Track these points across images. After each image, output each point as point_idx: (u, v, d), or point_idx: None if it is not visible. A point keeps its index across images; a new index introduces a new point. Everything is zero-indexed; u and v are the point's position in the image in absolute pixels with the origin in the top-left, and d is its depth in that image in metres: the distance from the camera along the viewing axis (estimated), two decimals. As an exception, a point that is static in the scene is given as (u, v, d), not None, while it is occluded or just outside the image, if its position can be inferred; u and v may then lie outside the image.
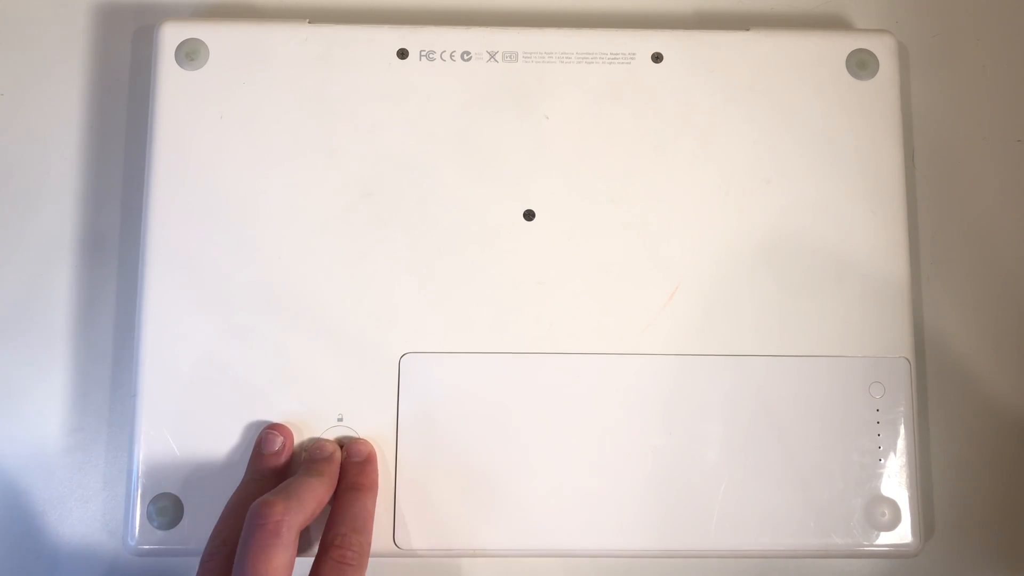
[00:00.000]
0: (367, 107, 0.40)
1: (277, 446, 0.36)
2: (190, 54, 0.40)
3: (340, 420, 0.37)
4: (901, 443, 0.38)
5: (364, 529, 0.34)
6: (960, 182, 0.43)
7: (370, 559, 0.39)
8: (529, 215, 0.39)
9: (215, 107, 0.39)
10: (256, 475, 0.36)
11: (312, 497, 0.34)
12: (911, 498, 0.38)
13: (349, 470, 0.36)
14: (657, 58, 0.40)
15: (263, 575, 0.30)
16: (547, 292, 0.39)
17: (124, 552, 0.38)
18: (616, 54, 0.40)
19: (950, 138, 0.44)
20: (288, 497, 0.32)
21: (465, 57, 0.40)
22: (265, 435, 0.37)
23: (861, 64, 0.40)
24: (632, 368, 0.38)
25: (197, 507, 0.37)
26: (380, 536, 0.37)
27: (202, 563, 0.33)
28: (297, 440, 0.37)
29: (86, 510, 0.40)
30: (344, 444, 0.37)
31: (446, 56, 0.40)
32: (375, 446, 0.37)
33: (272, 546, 0.31)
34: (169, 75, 0.40)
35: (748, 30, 0.41)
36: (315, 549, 0.34)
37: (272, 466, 0.36)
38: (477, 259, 0.39)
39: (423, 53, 0.40)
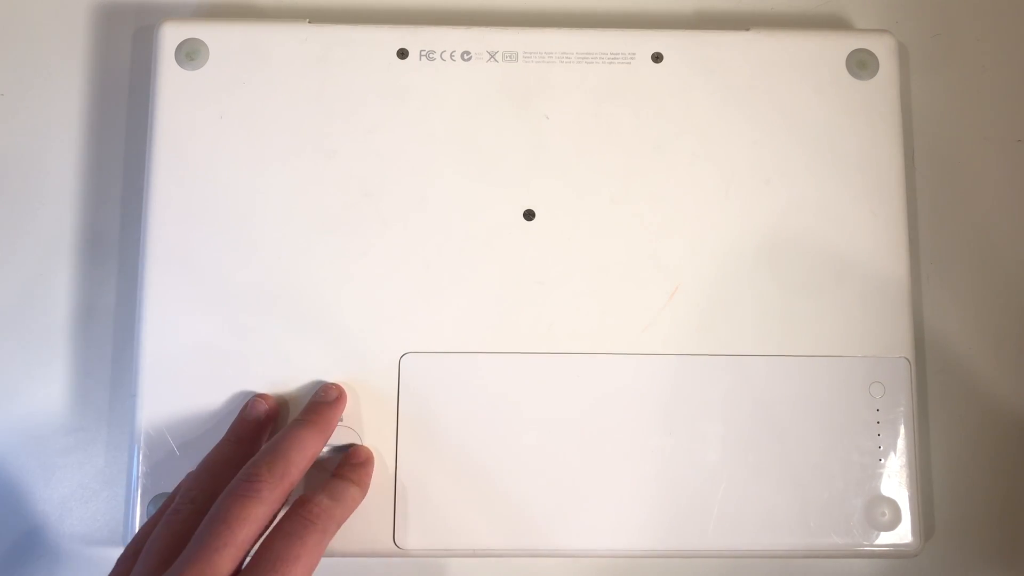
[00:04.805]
0: (367, 107, 0.40)
1: (259, 412, 0.37)
2: (190, 54, 0.40)
3: (340, 420, 0.37)
4: (901, 443, 0.38)
5: (342, 502, 0.34)
6: (960, 182, 0.43)
7: (370, 559, 0.39)
8: (529, 215, 0.39)
9: (215, 107, 0.39)
10: (234, 436, 0.36)
11: (301, 455, 0.34)
12: (911, 498, 0.38)
13: (344, 466, 0.36)
14: (657, 58, 0.40)
15: (235, 518, 0.30)
16: (547, 292, 0.39)
17: (124, 552, 0.38)
18: (616, 54, 0.40)
19: (950, 138, 0.44)
20: (274, 461, 0.33)
21: (465, 57, 0.40)
22: (251, 401, 0.37)
23: (861, 64, 0.40)
24: (632, 368, 0.38)
25: (197, 507, 0.37)
26: (380, 536, 0.37)
27: (166, 516, 0.32)
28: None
29: (86, 510, 0.40)
30: (347, 446, 0.37)
31: (446, 56, 0.40)
32: (375, 446, 0.37)
33: (251, 499, 0.31)
34: (169, 75, 0.40)
35: (748, 30, 0.41)
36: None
37: (253, 431, 0.36)
38: (477, 259, 0.39)
39: (423, 53, 0.40)
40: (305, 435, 0.34)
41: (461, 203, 0.39)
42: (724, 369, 0.38)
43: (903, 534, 0.38)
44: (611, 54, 0.40)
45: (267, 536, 0.31)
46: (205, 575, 0.29)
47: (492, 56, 0.40)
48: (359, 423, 0.38)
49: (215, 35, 0.40)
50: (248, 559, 0.31)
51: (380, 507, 0.37)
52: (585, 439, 0.38)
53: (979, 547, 0.41)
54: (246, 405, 0.37)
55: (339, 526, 0.34)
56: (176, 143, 0.39)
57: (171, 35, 0.40)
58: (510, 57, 0.40)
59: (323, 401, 0.37)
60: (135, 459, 0.37)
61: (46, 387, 0.41)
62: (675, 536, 0.37)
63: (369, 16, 0.44)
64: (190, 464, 0.35)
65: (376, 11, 0.44)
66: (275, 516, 0.32)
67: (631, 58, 0.40)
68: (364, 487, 0.36)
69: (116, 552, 0.33)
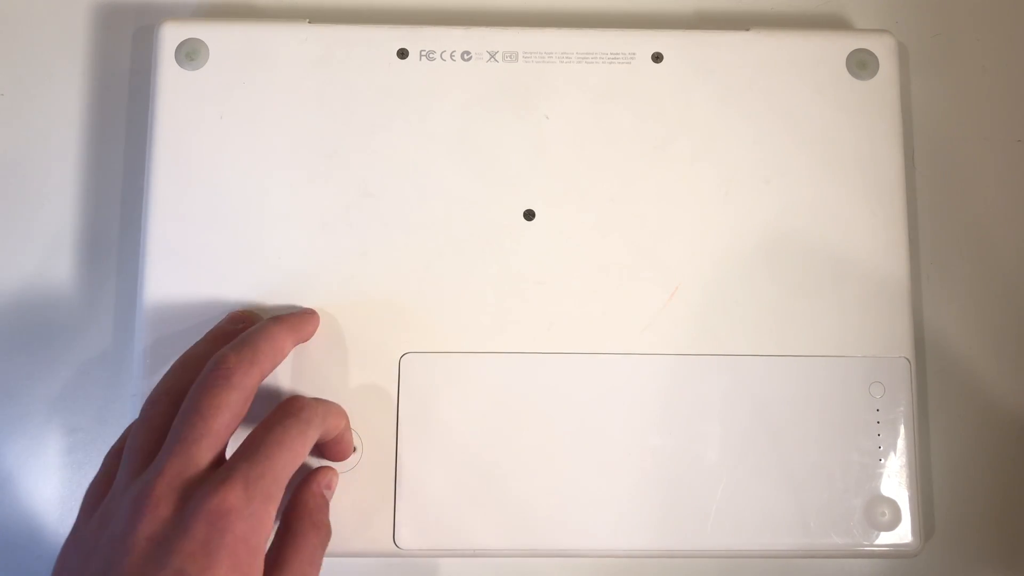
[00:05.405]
0: (367, 107, 0.40)
1: (237, 322, 0.37)
2: (190, 54, 0.40)
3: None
4: (901, 443, 0.38)
5: (322, 404, 0.33)
6: (960, 182, 0.43)
7: (370, 559, 0.39)
8: (529, 215, 0.39)
9: (215, 107, 0.39)
10: (211, 336, 0.36)
11: (270, 345, 0.33)
12: (911, 498, 0.38)
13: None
14: (657, 58, 0.40)
15: (207, 407, 0.30)
16: (547, 292, 0.39)
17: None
18: (616, 54, 0.40)
19: (950, 138, 0.44)
20: (241, 349, 0.32)
21: (465, 57, 0.40)
22: (234, 312, 0.37)
23: (861, 64, 0.40)
24: (632, 368, 0.38)
25: (197, 507, 0.37)
26: (380, 536, 0.37)
27: (143, 410, 0.32)
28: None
29: (86, 510, 0.40)
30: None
31: (446, 56, 0.40)
32: (376, 446, 0.37)
33: (221, 387, 0.31)
34: (169, 75, 0.40)
35: (748, 30, 0.41)
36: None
37: (229, 332, 0.36)
38: (477, 259, 0.39)
39: (423, 53, 0.40)
40: (275, 328, 0.34)
41: (461, 203, 0.39)
42: (724, 369, 0.38)
43: (903, 534, 0.38)
44: (611, 54, 0.40)
45: (251, 432, 0.31)
46: (186, 467, 0.29)
47: (492, 56, 0.40)
48: (359, 423, 0.37)
49: (215, 35, 0.40)
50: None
51: (380, 507, 0.37)
52: (584, 439, 0.38)
53: (979, 547, 0.41)
54: (229, 315, 0.37)
55: (322, 424, 0.33)
56: (176, 143, 0.39)
57: (171, 35, 0.40)
58: (510, 57, 0.40)
59: (298, 312, 0.37)
60: (135, 459, 0.37)
61: (45, 387, 0.41)
62: (674, 536, 0.37)
63: (369, 16, 0.44)
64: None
65: (376, 11, 0.44)
66: (250, 406, 0.32)
67: (631, 58, 0.40)
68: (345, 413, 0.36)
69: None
